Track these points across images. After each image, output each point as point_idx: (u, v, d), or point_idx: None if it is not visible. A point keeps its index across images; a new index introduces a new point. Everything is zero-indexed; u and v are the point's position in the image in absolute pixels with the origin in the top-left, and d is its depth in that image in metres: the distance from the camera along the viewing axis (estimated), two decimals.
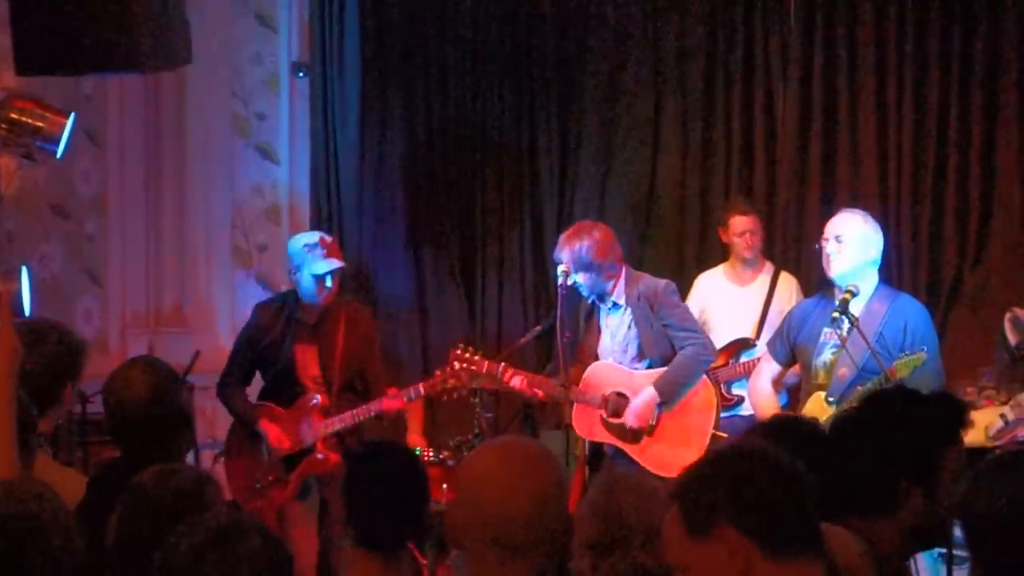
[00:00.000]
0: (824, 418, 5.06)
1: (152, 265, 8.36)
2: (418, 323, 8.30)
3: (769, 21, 7.82)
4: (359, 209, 8.33)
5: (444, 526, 2.84)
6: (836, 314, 5.39)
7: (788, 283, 6.94)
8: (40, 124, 5.83)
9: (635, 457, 5.86)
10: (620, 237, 6.12)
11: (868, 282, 5.53)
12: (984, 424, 5.79)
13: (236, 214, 8.46)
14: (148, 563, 2.62)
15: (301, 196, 8.46)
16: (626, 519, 3.04)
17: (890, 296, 5.59)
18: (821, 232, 5.63)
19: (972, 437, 5.45)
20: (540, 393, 6.06)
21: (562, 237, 5.99)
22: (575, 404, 5.90)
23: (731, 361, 6.69)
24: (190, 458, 5.78)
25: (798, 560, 2.28)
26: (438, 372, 6.11)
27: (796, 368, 5.77)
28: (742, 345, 6.73)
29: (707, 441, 5.85)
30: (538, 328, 6.61)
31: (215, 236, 8.43)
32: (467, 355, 6.10)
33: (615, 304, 5.96)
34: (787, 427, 3.22)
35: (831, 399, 5.39)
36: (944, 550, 5.43)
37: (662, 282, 5.99)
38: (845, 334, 5.40)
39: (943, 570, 5.55)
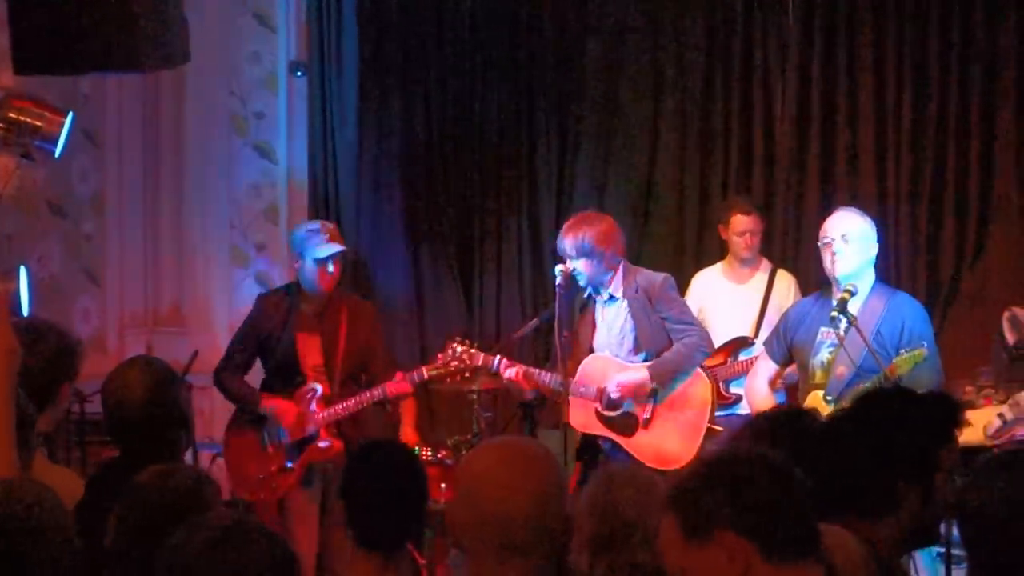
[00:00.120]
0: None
1: (150, 265, 8.36)
2: (416, 322, 8.30)
3: (768, 20, 7.81)
4: (357, 208, 8.33)
5: (444, 525, 2.84)
6: (835, 313, 5.39)
7: (786, 281, 6.94)
8: (38, 123, 5.83)
9: (630, 450, 5.86)
10: None
11: (866, 280, 5.54)
12: (983, 423, 5.79)
13: (234, 213, 8.46)
14: (147, 563, 2.62)
15: (299, 195, 8.45)
16: (624, 515, 3.04)
17: (887, 294, 5.59)
18: (819, 231, 5.63)
19: (970, 436, 5.49)
20: (528, 395, 6.06)
21: (567, 223, 5.99)
22: (570, 397, 5.90)
23: (729, 359, 6.68)
24: (188, 458, 5.79)
25: (798, 563, 2.27)
26: (440, 355, 6.12)
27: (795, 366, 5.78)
28: (740, 343, 6.73)
29: (702, 435, 5.85)
30: (535, 320, 6.60)
31: (213, 235, 8.43)
32: (462, 347, 6.11)
33: (611, 297, 5.96)
34: (785, 423, 3.21)
35: (829, 398, 5.39)
36: (943, 549, 5.44)
37: (660, 275, 5.99)
38: (843, 333, 5.40)
39: (941, 570, 5.56)
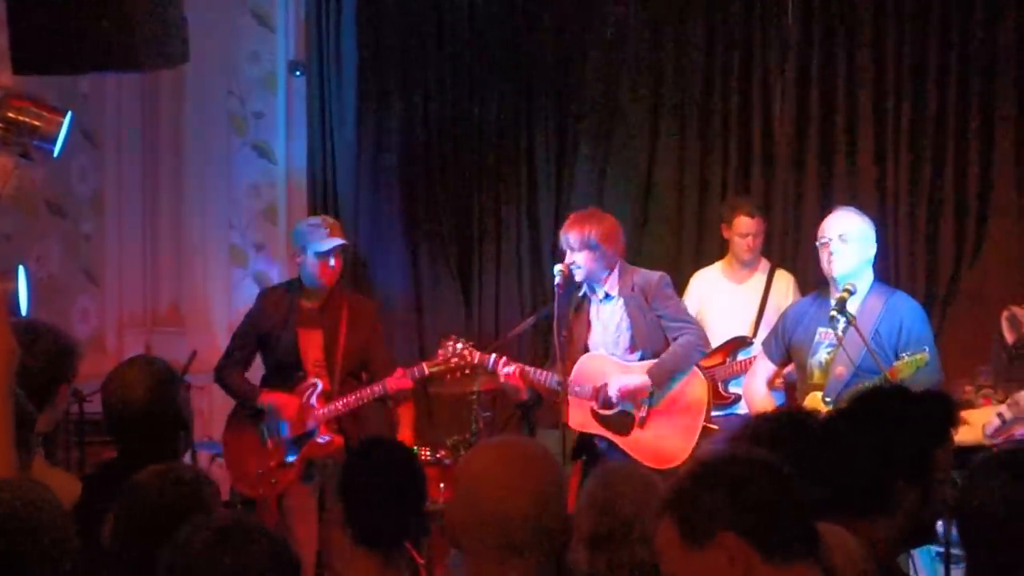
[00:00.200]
0: None
1: (149, 264, 8.37)
2: (415, 321, 8.30)
3: (767, 20, 7.81)
4: (356, 208, 8.33)
5: (443, 525, 2.84)
6: (834, 313, 5.39)
7: (784, 281, 6.94)
8: (37, 123, 5.83)
9: (626, 449, 5.86)
10: None
11: (864, 280, 5.54)
12: (982, 423, 5.79)
13: (233, 213, 8.47)
14: (145, 562, 2.62)
15: (298, 195, 8.46)
16: (624, 512, 3.03)
17: (886, 294, 5.59)
18: (818, 230, 5.63)
19: (969, 436, 5.49)
20: (524, 394, 6.06)
21: (573, 217, 6.03)
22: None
23: (728, 359, 6.68)
24: (187, 458, 5.79)
25: (797, 563, 2.27)
26: (440, 352, 6.13)
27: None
28: (739, 343, 6.73)
29: (698, 434, 5.86)
30: (531, 319, 6.61)
31: (212, 235, 8.43)
32: (463, 344, 6.12)
33: (607, 295, 5.96)
34: (785, 425, 3.21)
35: (828, 399, 5.39)
36: (942, 549, 5.44)
37: (656, 274, 6.00)
38: (841, 333, 5.40)
39: (941, 569, 5.56)
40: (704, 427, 5.89)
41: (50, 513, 2.61)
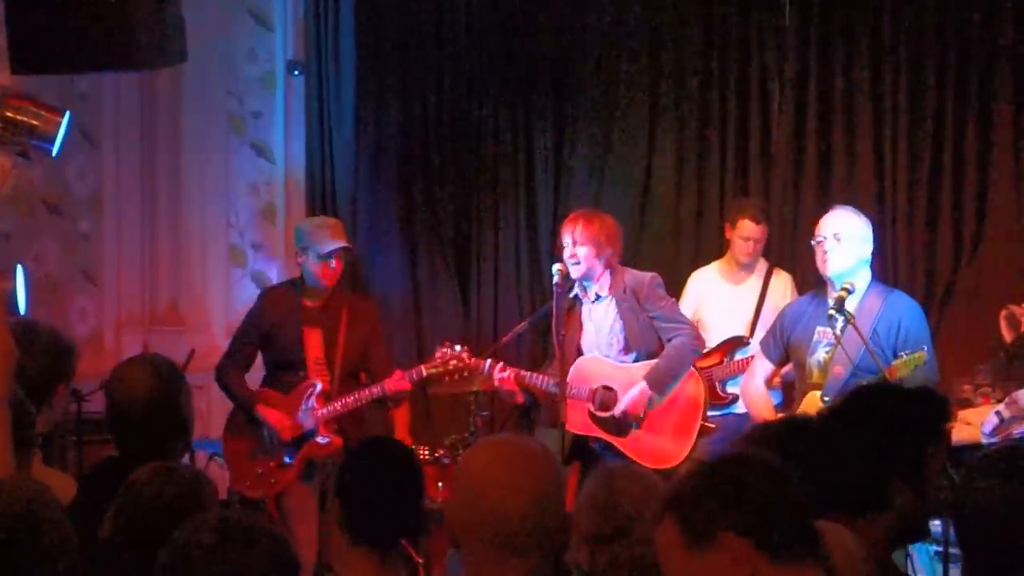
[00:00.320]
0: None
1: (147, 264, 8.36)
2: (413, 321, 8.30)
3: (765, 20, 7.81)
4: (354, 207, 8.33)
5: (441, 524, 2.84)
6: (832, 312, 5.39)
7: (782, 280, 6.93)
8: (35, 122, 5.83)
9: (624, 450, 5.86)
10: None
11: (862, 279, 5.54)
12: (980, 421, 5.79)
13: (232, 212, 8.46)
14: (143, 560, 2.62)
15: (297, 194, 8.46)
16: (625, 510, 3.03)
17: (883, 293, 5.59)
18: (815, 229, 5.64)
19: (968, 434, 5.50)
20: (520, 398, 6.07)
21: (576, 212, 6.08)
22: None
23: (725, 359, 6.68)
24: (185, 458, 5.79)
25: (800, 563, 2.26)
26: (438, 354, 6.13)
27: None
28: (736, 343, 6.72)
29: (695, 433, 5.86)
30: (523, 324, 6.61)
31: (210, 234, 8.43)
32: (455, 348, 6.12)
33: (598, 296, 5.96)
34: (786, 431, 3.20)
35: (826, 398, 5.39)
36: (940, 548, 5.45)
37: (648, 275, 5.99)
38: (839, 332, 5.40)
39: (939, 568, 5.56)
40: (702, 426, 5.90)
41: (49, 512, 2.61)
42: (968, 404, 6.19)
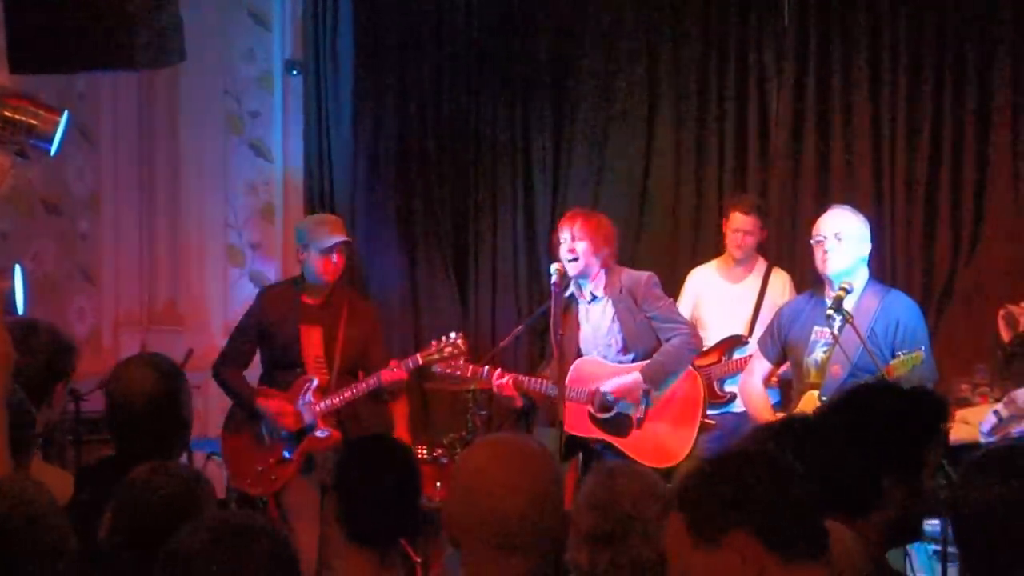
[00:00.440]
0: None
1: (145, 263, 8.36)
2: (411, 321, 8.30)
3: (763, 20, 7.81)
4: (352, 207, 8.32)
5: (439, 523, 2.83)
6: (830, 311, 5.39)
7: (781, 280, 6.93)
8: (34, 122, 5.81)
9: (624, 450, 5.86)
10: None
11: (859, 278, 5.55)
12: (978, 420, 5.80)
13: (230, 212, 8.46)
14: (142, 559, 2.62)
15: (295, 194, 8.45)
16: (626, 510, 3.03)
17: (881, 292, 5.59)
18: (813, 229, 5.64)
19: (966, 433, 5.50)
20: (519, 402, 6.07)
21: (575, 209, 6.14)
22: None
23: (723, 358, 6.68)
24: (183, 458, 5.79)
25: (808, 563, 2.24)
26: (434, 343, 6.14)
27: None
28: (735, 342, 6.72)
29: (695, 431, 5.86)
30: (521, 327, 6.62)
31: (209, 234, 8.43)
32: (451, 336, 6.13)
33: (594, 296, 5.96)
34: (785, 428, 3.20)
35: (824, 398, 5.38)
36: (939, 547, 5.45)
37: (644, 274, 6.00)
38: (837, 331, 5.40)
39: (938, 568, 5.57)
40: (701, 423, 5.91)
41: (46, 511, 2.61)
42: (966, 403, 6.20)
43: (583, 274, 5.90)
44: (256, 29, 8.43)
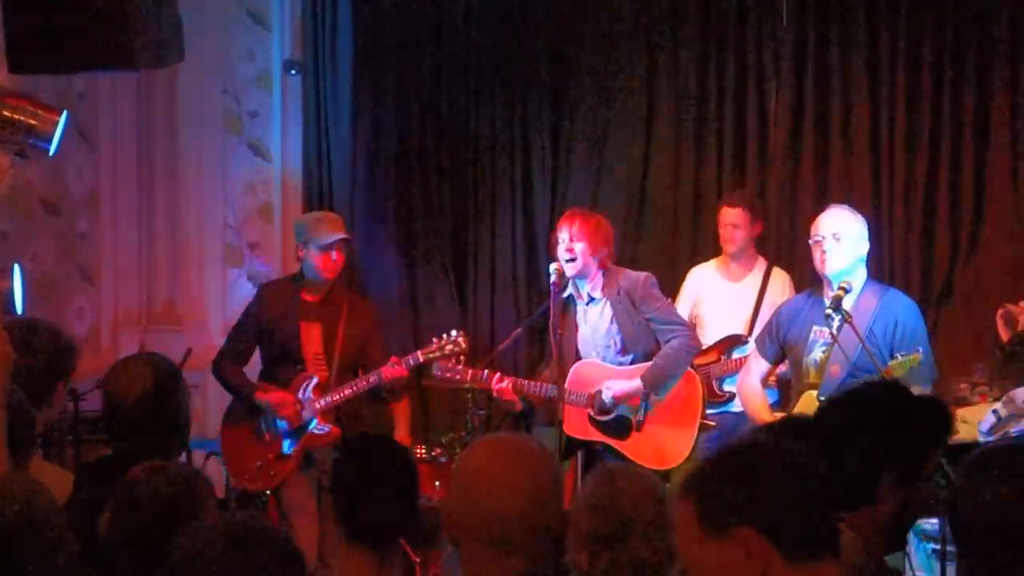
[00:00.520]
0: None
1: (144, 263, 8.37)
2: (410, 322, 8.30)
3: (762, 20, 7.82)
4: (351, 207, 8.32)
5: (438, 523, 2.83)
6: (829, 311, 5.39)
7: (780, 279, 6.93)
8: (32, 122, 5.81)
9: (625, 452, 5.86)
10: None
11: (858, 278, 5.55)
12: (977, 420, 5.80)
13: (228, 212, 8.46)
14: (141, 558, 2.62)
15: (294, 194, 8.45)
16: (626, 512, 3.03)
17: (880, 292, 5.60)
18: (811, 229, 5.64)
19: (965, 433, 5.49)
20: (518, 405, 6.07)
21: (573, 209, 6.14)
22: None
23: (723, 357, 6.68)
24: (182, 457, 5.79)
25: (816, 562, 2.23)
26: (435, 340, 6.14)
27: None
28: (734, 341, 6.73)
29: (695, 432, 5.86)
30: (519, 330, 6.62)
31: (207, 234, 8.43)
32: (451, 333, 6.13)
33: (592, 298, 5.96)
34: (785, 428, 3.20)
35: (823, 398, 5.38)
36: (938, 546, 5.45)
37: (642, 275, 5.99)
38: (836, 331, 5.40)
39: (937, 567, 5.56)
40: (701, 423, 5.91)
41: (45, 510, 2.61)
42: (965, 402, 6.20)
43: (581, 274, 5.90)
44: (255, 29, 8.43)
